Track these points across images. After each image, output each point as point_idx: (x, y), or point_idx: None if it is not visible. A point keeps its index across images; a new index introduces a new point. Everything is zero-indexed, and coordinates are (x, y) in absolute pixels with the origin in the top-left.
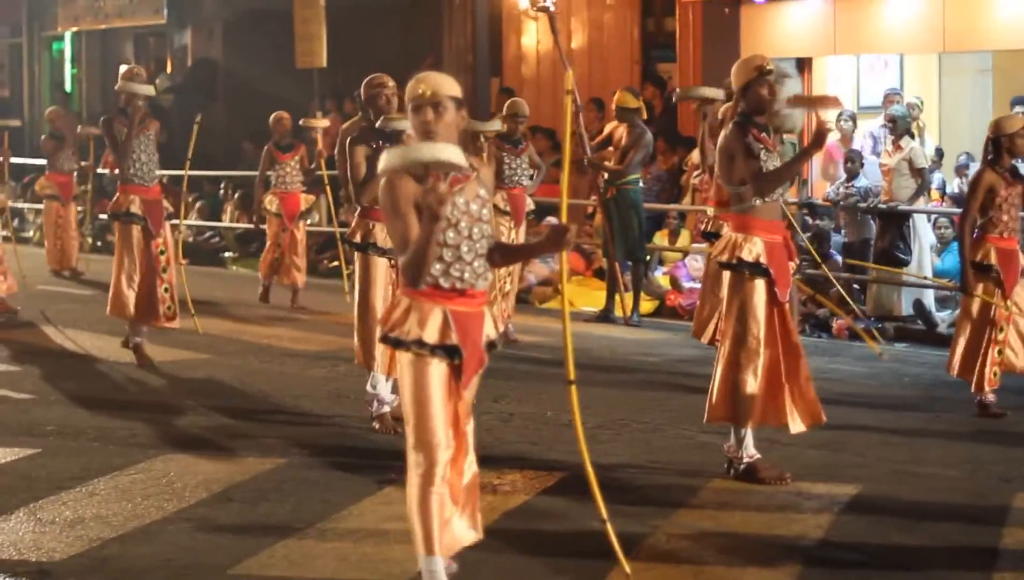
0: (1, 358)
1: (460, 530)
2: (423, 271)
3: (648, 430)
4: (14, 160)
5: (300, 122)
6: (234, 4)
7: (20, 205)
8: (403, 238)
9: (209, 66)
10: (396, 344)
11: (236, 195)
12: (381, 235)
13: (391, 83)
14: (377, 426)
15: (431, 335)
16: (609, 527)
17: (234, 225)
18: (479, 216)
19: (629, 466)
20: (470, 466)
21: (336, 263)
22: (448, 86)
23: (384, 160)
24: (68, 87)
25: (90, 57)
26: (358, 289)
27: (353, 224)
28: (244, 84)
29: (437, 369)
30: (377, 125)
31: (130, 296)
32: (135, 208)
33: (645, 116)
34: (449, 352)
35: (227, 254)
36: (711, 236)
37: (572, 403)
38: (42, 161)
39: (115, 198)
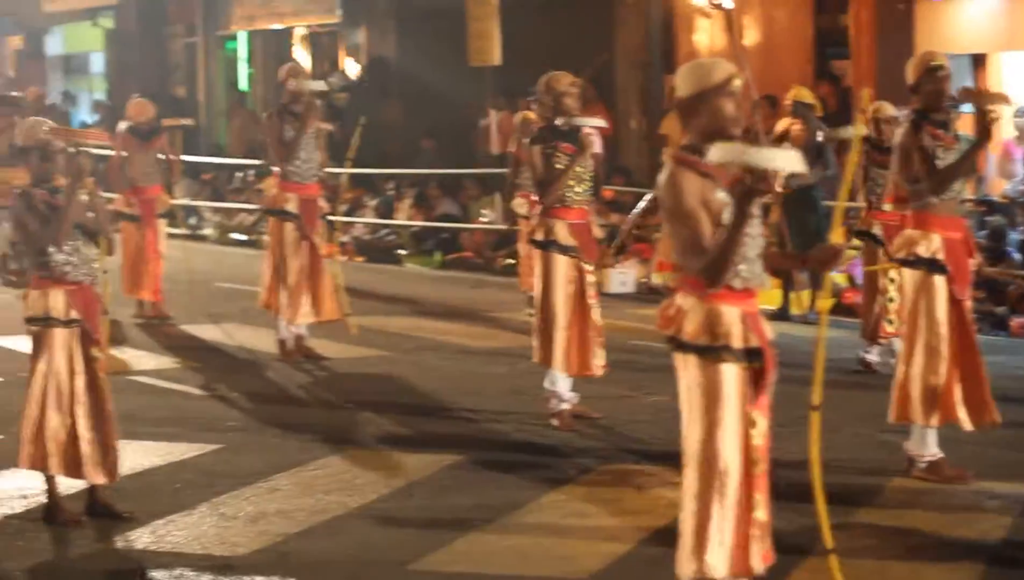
0: (183, 355)
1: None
2: (726, 272)
3: (827, 429)
4: (190, 158)
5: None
6: (408, 2)
7: (198, 203)
8: (689, 238)
9: (383, 64)
10: (701, 351)
11: (412, 193)
12: (563, 233)
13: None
14: (556, 423)
15: (737, 339)
16: (833, 559)
17: (409, 223)
18: (755, 213)
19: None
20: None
21: (512, 261)
22: None
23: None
24: (243, 86)
25: (265, 56)
26: (539, 287)
27: (535, 222)
28: (417, 82)
29: (732, 375)
30: (557, 123)
31: (281, 292)
32: (291, 206)
33: (820, 113)
34: (749, 356)
35: (402, 251)
36: (862, 234)
37: (813, 430)
38: (218, 160)
39: (272, 194)
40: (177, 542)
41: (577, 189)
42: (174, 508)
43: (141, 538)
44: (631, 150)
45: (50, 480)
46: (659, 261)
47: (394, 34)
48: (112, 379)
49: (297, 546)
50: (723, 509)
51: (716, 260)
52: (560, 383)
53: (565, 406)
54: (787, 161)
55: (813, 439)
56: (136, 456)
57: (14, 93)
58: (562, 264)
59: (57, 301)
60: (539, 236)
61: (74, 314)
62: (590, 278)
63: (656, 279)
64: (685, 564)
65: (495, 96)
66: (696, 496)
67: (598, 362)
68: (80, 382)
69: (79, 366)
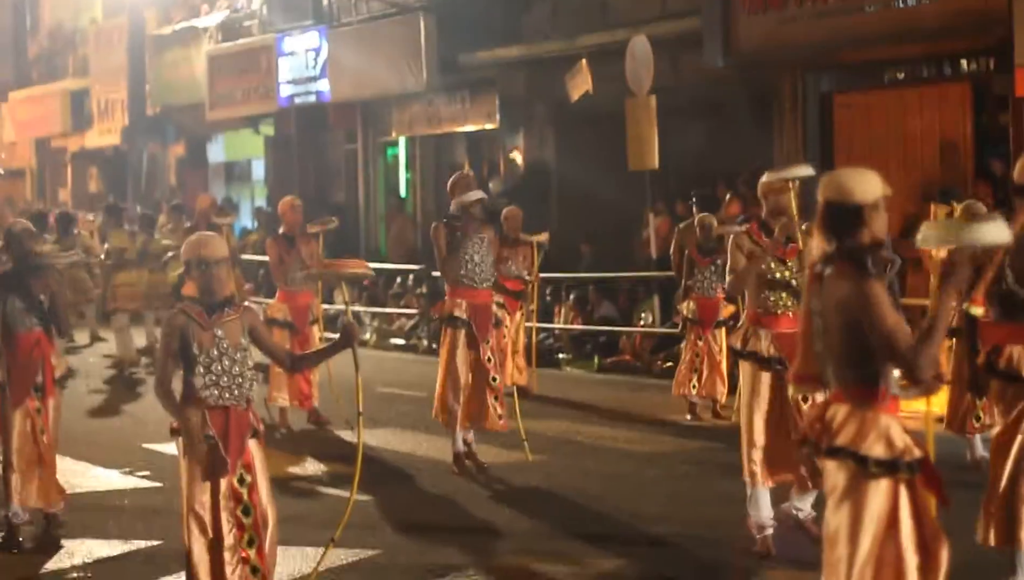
0: (341, 460)
1: None
2: (932, 366)
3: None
4: None
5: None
6: (566, 107)
7: (356, 308)
8: (886, 343)
9: (541, 168)
10: (861, 462)
11: (571, 297)
12: (765, 344)
13: None
14: (758, 549)
15: (897, 451)
16: None
17: (568, 326)
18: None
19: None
20: None
21: (670, 364)
22: None
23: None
24: (403, 192)
25: (424, 161)
26: (742, 399)
27: (739, 329)
28: (576, 186)
29: (882, 492)
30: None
31: (454, 402)
32: (459, 312)
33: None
34: (911, 468)
35: (561, 355)
36: (953, 332)
37: None
38: (377, 265)
39: (443, 301)
40: None
41: (784, 296)
42: None
43: None
44: None
45: None
46: (794, 374)
47: (552, 139)
48: (272, 483)
49: None
50: None
51: (929, 354)
52: (763, 506)
53: (769, 532)
54: (999, 233)
55: None
56: (295, 562)
57: (175, 202)
58: (765, 379)
59: (194, 418)
60: (737, 344)
61: (210, 432)
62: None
63: (791, 392)
64: None
65: (653, 200)
66: None
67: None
68: (226, 502)
69: (222, 485)
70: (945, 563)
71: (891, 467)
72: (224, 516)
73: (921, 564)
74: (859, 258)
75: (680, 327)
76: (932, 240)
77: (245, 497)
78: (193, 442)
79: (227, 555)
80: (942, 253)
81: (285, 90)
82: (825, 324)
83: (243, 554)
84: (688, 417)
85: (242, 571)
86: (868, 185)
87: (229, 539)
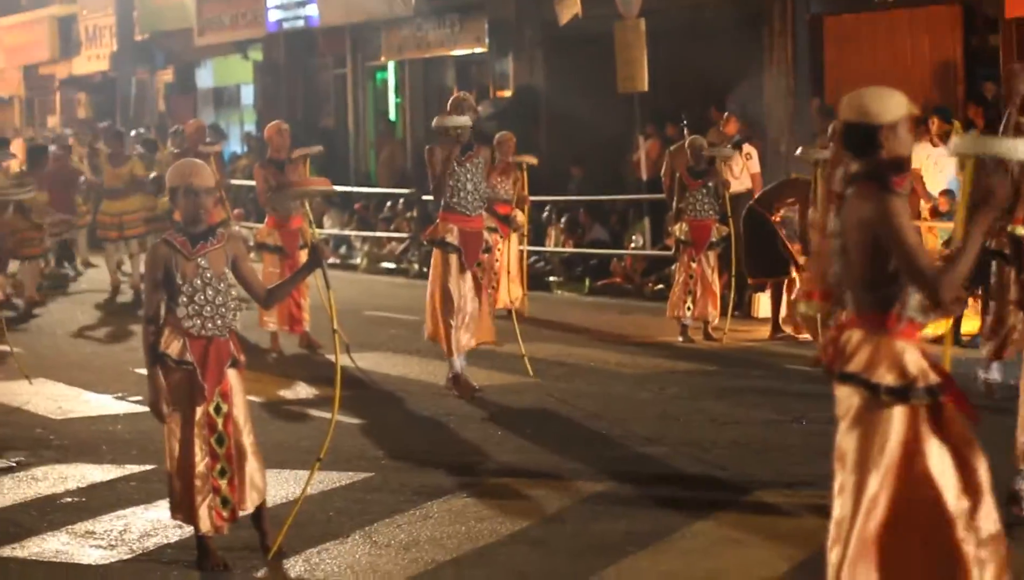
0: (331, 382)
1: None
2: (957, 292)
3: None
4: (339, 187)
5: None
6: (555, 30)
7: (347, 233)
8: (907, 266)
9: (530, 92)
10: (872, 389)
11: (562, 219)
12: None
13: None
14: None
15: (924, 377)
16: None
17: (560, 249)
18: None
19: None
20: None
21: (661, 286)
22: None
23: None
24: (392, 116)
25: (413, 86)
26: None
27: None
28: (565, 109)
29: (896, 420)
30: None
31: (445, 324)
32: (451, 238)
33: None
34: (929, 393)
35: (551, 278)
36: (995, 254)
37: None
38: (367, 189)
39: (435, 225)
40: (330, 571)
41: None
42: (327, 537)
43: (295, 567)
44: (780, 174)
45: (198, 531)
46: (805, 290)
47: (542, 62)
48: (263, 408)
49: (449, 573)
50: (862, 549)
51: (954, 277)
52: None
53: None
54: None
55: None
56: (288, 485)
57: (177, 127)
58: None
59: (174, 343)
60: None
61: (188, 357)
62: None
63: (803, 309)
64: None
65: (643, 123)
66: (842, 532)
67: None
68: (200, 430)
69: (197, 413)
70: (987, 481)
71: (903, 394)
72: (197, 444)
73: (961, 486)
74: (881, 177)
75: (673, 249)
76: (963, 147)
77: (220, 426)
78: (156, 402)
79: (197, 483)
80: (944, 174)
81: (274, 15)
82: (844, 244)
83: (214, 483)
84: (680, 339)
85: (212, 500)
86: (888, 105)
87: (200, 467)
